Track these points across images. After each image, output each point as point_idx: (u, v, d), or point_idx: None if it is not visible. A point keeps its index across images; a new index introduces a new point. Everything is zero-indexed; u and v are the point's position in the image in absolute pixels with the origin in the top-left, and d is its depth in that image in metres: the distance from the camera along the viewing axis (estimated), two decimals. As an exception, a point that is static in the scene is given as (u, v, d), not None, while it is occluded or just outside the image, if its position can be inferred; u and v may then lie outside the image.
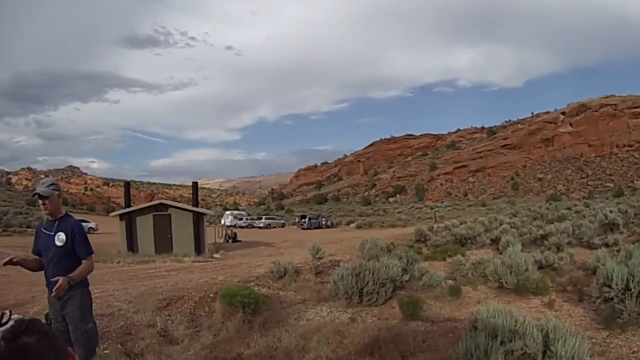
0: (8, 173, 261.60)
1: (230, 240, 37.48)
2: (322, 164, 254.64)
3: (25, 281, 11.58)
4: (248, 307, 7.99)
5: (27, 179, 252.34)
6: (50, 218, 4.54)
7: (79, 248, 4.49)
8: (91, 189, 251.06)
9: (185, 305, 8.60)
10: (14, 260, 4.34)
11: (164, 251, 24.05)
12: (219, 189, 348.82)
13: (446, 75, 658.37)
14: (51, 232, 4.48)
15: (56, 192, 4.48)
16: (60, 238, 4.43)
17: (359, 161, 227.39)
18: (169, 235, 25.48)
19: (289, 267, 11.67)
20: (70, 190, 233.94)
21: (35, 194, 4.42)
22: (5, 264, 4.34)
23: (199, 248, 25.74)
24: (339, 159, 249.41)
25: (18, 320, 1.59)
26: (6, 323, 2.83)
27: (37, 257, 4.68)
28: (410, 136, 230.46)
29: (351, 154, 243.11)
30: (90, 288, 4.71)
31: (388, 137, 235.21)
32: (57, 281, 4.10)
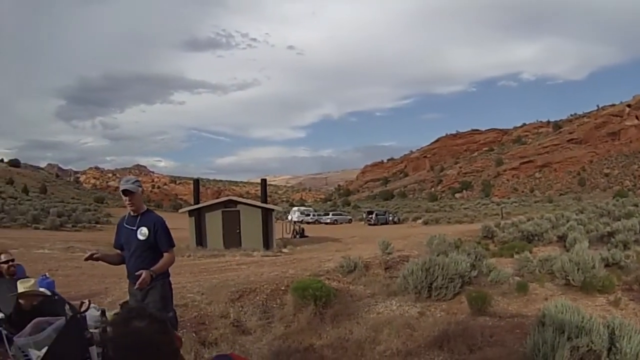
0: (76, 172, 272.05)
1: (297, 236, 37.72)
2: (388, 160, 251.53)
3: (97, 273, 12.11)
4: (319, 299, 8.07)
5: (94, 178, 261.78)
6: (132, 214, 4.72)
7: (161, 241, 4.66)
8: (158, 187, 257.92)
9: (258, 298, 8.80)
10: (95, 256, 4.60)
11: (233, 246, 24.58)
12: (285, 186, 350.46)
13: (509, 69, 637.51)
14: (133, 227, 4.67)
15: (140, 189, 4.68)
16: (142, 232, 4.61)
17: (425, 157, 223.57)
18: (238, 231, 25.98)
19: (359, 262, 11.67)
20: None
21: (121, 190, 4.60)
22: (86, 260, 4.60)
23: (267, 243, 26.12)
24: (404, 155, 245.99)
25: (129, 307, 1.90)
26: (85, 311, 3.28)
27: (118, 251, 4.93)
28: (476, 131, 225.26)
29: (417, 150, 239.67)
30: (170, 279, 4.90)
31: (453, 132, 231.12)
32: (140, 275, 4.29)
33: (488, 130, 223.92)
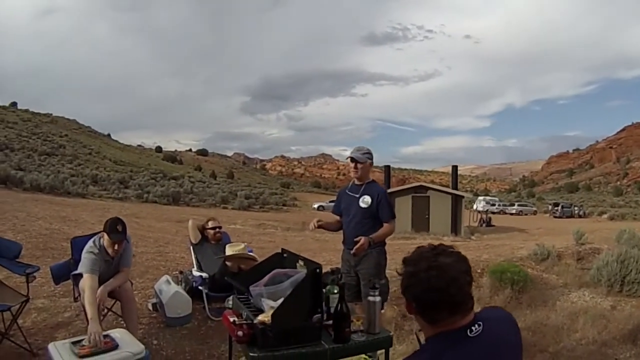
0: (262, 161, 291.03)
1: (484, 224, 37.33)
2: (573, 150, 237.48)
3: (291, 248, 12.61)
4: (516, 284, 8.04)
5: (280, 165, 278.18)
6: (356, 182, 4.82)
7: (382, 212, 4.70)
8: (344, 174, 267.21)
9: None
10: (319, 224, 4.77)
11: (421, 230, 24.78)
12: (469, 175, 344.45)
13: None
14: (356, 194, 4.76)
15: (369, 161, 4.76)
16: (365, 200, 4.69)
17: (610, 147, 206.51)
18: (427, 216, 26.17)
19: (553, 251, 11.23)
20: (323, 175, 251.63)
21: (350, 158, 4.72)
22: (312, 228, 4.80)
23: (455, 229, 26.13)
24: (590, 145, 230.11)
25: (434, 245, 1.79)
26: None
27: (337, 218, 5.04)
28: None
29: (602, 140, 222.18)
30: (386, 248, 4.90)
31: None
32: (358, 240, 4.38)
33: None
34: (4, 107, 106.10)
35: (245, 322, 2.90)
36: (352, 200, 4.79)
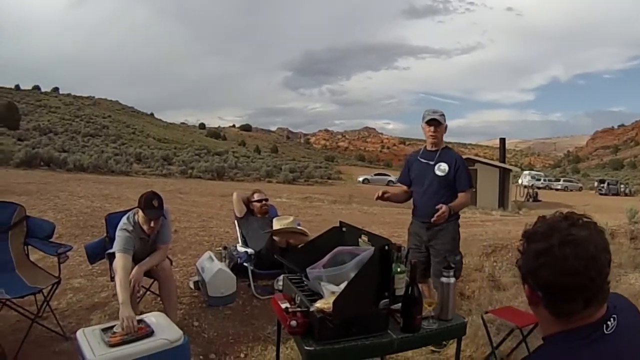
0: (306, 135, 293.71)
1: (531, 199, 36.76)
2: (619, 126, 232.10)
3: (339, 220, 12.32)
4: None
5: (324, 139, 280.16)
6: (430, 148, 4.43)
7: (460, 180, 4.32)
8: (387, 147, 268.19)
9: (510, 254, 8.41)
10: (385, 195, 4.37)
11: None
12: (514, 150, 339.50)
13: None
14: (431, 161, 4.36)
15: (445, 124, 4.39)
16: (441, 168, 4.29)
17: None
18: (474, 189, 25.71)
19: (606, 229, 10.64)
20: (367, 149, 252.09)
21: (427, 121, 4.33)
22: (377, 199, 4.39)
23: (502, 203, 25.89)
24: (635, 121, 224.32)
25: (564, 214, 1.38)
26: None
27: (405, 188, 4.63)
28: None
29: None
30: (459, 221, 4.53)
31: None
32: (439, 209, 3.98)
33: None
34: (46, 93, 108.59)
35: (299, 309, 2.45)
36: (425, 168, 4.39)
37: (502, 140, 30.14)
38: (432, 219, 4.03)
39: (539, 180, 65.06)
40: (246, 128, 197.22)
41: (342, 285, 2.43)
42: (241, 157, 64.98)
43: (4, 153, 28.85)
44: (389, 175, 54.16)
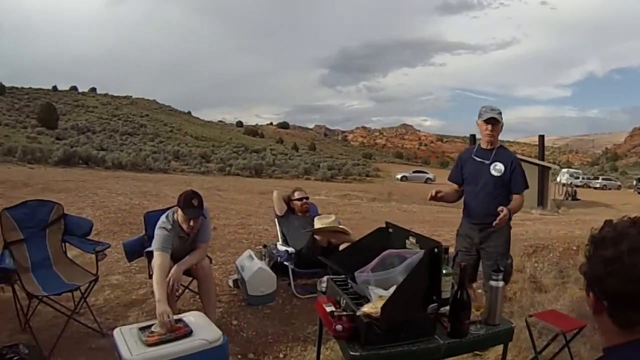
0: (343, 132, 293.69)
1: (570, 198, 36.06)
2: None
3: (379, 219, 12.07)
4: None
5: (362, 137, 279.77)
6: (485, 146, 4.29)
7: (516, 181, 4.17)
8: (425, 145, 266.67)
9: (551, 255, 8.17)
10: (439, 195, 4.24)
11: (507, 202, 24.17)
12: (551, 147, 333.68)
13: None
14: (487, 160, 4.21)
15: (502, 122, 4.24)
16: (497, 168, 4.15)
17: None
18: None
19: None
20: (405, 146, 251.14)
21: (486, 119, 4.17)
22: (431, 199, 4.29)
23: (541, 202, 25.31)
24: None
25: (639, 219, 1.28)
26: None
27: (456, 187, 4.49)
28: None
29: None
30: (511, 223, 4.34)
31: None
32: (500, 211, 3.81)
33: None
34: (83, 93, 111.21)
35: (345, 313, 2.36)
36: (480, 167, 4.22)
37: (541, 137, 29.63)
38: (495, 222, 3.87)
39: (578, 178, 63.90)
40: (283, 125, 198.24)
41: (391, 290, 2.34)
42: (279, 155, 65.53)
43: (42, 152, 29.53)
44: (427, 173, 53.76)
